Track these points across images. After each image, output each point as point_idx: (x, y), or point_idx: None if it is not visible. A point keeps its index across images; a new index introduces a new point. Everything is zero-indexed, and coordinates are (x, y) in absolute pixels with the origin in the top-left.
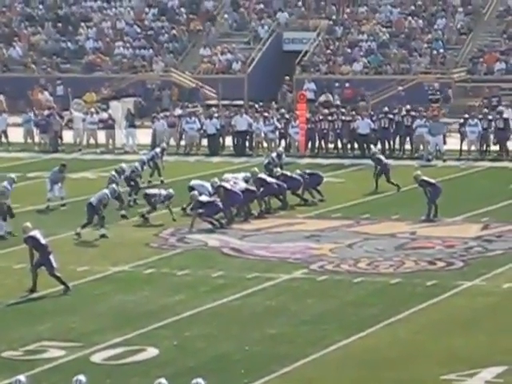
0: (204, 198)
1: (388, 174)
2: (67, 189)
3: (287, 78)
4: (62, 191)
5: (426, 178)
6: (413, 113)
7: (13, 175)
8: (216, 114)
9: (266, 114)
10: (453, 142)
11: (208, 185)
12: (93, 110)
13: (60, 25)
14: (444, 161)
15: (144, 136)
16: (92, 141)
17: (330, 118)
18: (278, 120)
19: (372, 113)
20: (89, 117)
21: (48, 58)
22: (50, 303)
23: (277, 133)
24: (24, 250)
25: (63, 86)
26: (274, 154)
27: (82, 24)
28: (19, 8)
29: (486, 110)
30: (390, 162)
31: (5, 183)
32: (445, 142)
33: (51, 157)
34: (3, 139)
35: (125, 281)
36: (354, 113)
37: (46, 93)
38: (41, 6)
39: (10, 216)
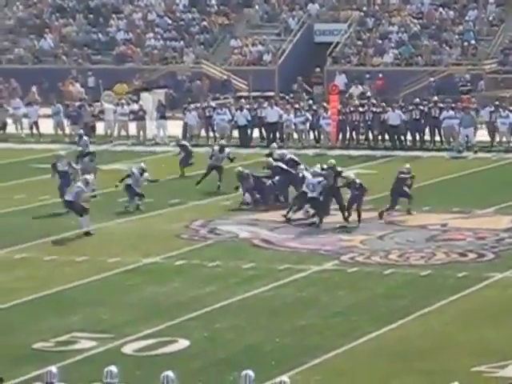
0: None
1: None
2: (98, 180)
3: (318, 69)
4: (94, 182)
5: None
6: (441, 104)
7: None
8: (247, 106)
9: (296, 106)
10: (484, 134)
11: None
12: (123, 101)
13: (91, 16)
14: (475, 152)
15: (175, 128)
16: (123, 132)
17: (360, 109)
18: (307, 111)
19: (403, 104)
20: (119, 108)
21: (79, 50)
22: (81, 294)
23: (307, 124)
24: (55, 242)
25: (94, 78)
26: (216, 147)
27: (113, 15)
28: (50, 0)
29: None
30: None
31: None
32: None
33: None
34: (34, 130)
35: (156, 272)
36: (384, 104)
37: (78, 84)
38: None
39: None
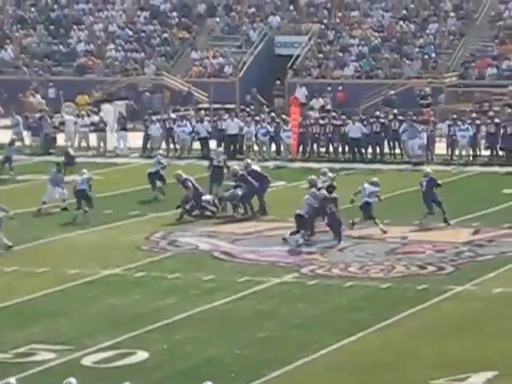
0: None
1: None
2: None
3: (278, 82)
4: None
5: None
6: (400, 117)
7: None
8: (207, 118)
9: (257, 118)
10: (443, 147)
11: None
12: (84, 112)
13: (52, 27)
14: (414, 164)
15: (135, 139)
16: (84, 143)
17: (321, 122)
18: (268, 123)
19: (363, 117)
20: (80, 119)
21: (40, 61)
22: (41, 306)
23: (268, 136)
24: (16, 254)
25: (55, 89)
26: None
27: (74, 27)
28: (11, 10)
29: (475, 115)
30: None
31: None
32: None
33: (43, 159)
34: None
35: (116, 284)
36: (344, 117)
37: (38, 95)
38: (33, 9)
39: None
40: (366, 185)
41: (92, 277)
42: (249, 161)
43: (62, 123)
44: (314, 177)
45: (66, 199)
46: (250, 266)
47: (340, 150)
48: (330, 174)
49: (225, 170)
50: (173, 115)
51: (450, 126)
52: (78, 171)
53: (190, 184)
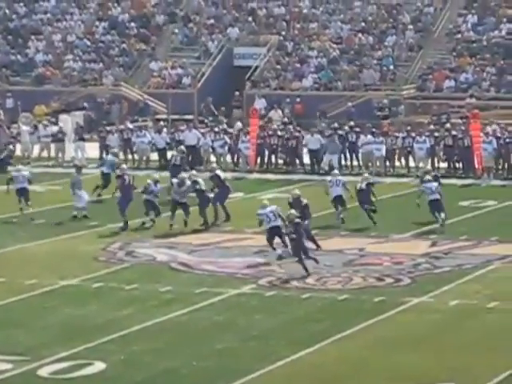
0: None
1: None
2: (13, 202)
3: (237, 93)
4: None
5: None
6: (357, 129)
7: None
8: (165, 129)
9: (216, 129)
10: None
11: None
12: (45, 122)
13: (10, 37)
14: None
15: (93, 150)
16: (45, 154)
17: (279, 133)
18: (225, 134)
19: (321, 129)
20: (42, 130)
21: None
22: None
23: (226, 147)
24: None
25: (13, 99)
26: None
27: (32, 37)
28: None
29: (432, 127)
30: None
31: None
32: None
33: None
34: None
35: (73, 294)
36: (299, 128)
37: None
38: None
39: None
40: (427, 184)
41: (49, 287)
42: (214, 165)
43: (19, 134)
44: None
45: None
46: (207, 277)
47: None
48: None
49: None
50: (130, 125)
51: (404, 138)
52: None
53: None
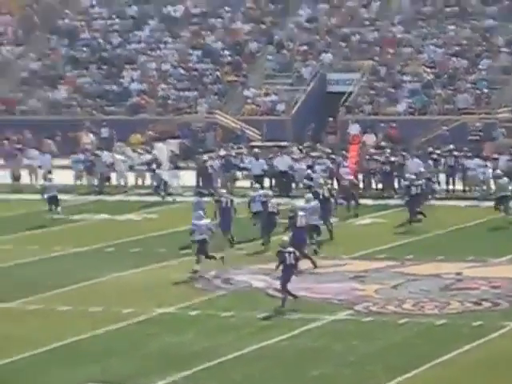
0: None
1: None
2: (111, 231)
3: (331, 119)
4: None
5: None
6: (455, 153)
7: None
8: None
9: (314, 154)
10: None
11: None
12: (140, 151)
13: (104, 67)
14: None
15: (188, 177)
16: (140, 182)
17: (377, 158)
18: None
19: (420, 153)
20: (137, 158)
21: (93, 101)
22: (96, 345)
23: (327, 172)
24: (69, 293)
25: (108, 128)
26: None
27: (127, 66)
28: (64, 51)
29: None
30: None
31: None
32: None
33: (97, 198)
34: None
35: (169, 322)
36: (403, 153)
37: (91, 135)
38: (85, 49)
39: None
40: None
41: (146, 316)
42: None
43: (113, 163)
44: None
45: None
46: (303, 303)
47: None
48: None
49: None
50: (232, 152)
51: (508, 160)
52: None
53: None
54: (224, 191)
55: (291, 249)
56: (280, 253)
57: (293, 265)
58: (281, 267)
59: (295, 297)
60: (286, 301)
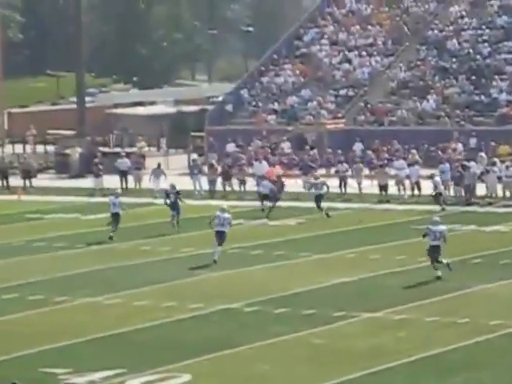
0: None
1: None
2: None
3: None
4: None
5: None
6: None
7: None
8: None
9: None
10: None
11: None
12: (508, 163)
13: (474, 78)
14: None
15: None
16: (508, 194)
17: None
18: None
19: None
20: (504, 170)
21: (461, 111)
22: (461, 357)
23: None
24: (434, 304)
25: (476, 139)
26: None
27: (496, 77)
28: (433, 61)
29: None
30: None
31: None
32: None
33: (465, 210)
34: (416, 191)
35: None
36: None
37: (460, 145)
38: (454, 59)
39: None
40: None
41: None
42: None
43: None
44: None
45: None
46: None
47: None
48: None
49: None
50: None
51: None
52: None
53: None
54: None
55: None
56: None
57: None
58: None
59: None
60: None
